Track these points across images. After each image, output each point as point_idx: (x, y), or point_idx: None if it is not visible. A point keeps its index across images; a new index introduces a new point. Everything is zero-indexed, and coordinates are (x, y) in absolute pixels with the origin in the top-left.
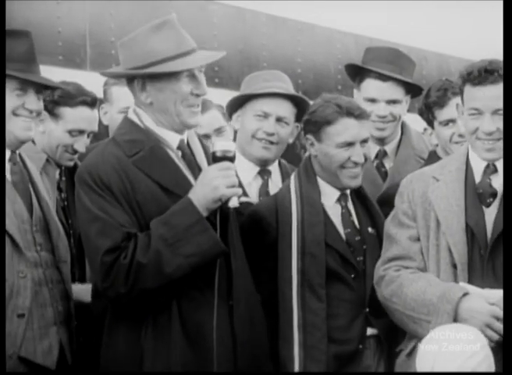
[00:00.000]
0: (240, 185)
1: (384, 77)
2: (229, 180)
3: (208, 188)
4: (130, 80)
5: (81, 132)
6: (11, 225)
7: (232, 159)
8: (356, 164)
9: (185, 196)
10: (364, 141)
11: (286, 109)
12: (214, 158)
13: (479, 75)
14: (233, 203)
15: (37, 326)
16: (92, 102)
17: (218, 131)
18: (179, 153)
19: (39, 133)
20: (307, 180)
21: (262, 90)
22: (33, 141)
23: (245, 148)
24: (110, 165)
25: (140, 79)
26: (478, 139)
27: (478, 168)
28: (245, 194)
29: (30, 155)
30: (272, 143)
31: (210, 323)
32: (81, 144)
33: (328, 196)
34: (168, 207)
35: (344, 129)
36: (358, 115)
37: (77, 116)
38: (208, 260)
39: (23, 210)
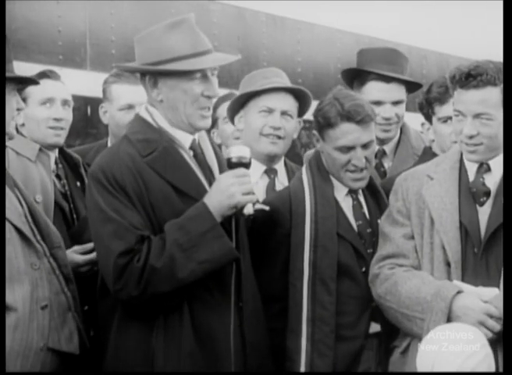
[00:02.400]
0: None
1: (388, 79)
2: (245, 187)
3: (223, 195)
4: (143, 76)
5: (51, 100)
6: (15, 219)
7: (247, 165)
8: (356, 167)
9: (200, 201)
10: (366, 145)
11: (289, 103)
12: (229, 164)
13: (462, 79)
14: (248, 210)
15: (57, 315)
16: (50, 73)
17: None
18: (191, 153)
19: (23, 128)
20: (319, 173)
21: (264, 86)
22: (22, 134)
23: (252, 147)
24: (125, 164)
25: (151, 75)
26: (461, 141)
27: (472, 167)
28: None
29: (22, 147)
30: (279, 138)
31: (221, 325)
32: (58, 111)
33: (339, 189)
34: (181, 209)
35: (344, 134)
36: (360, 120)
37: (41, 88)
38: (221, 266)
39: (17, 203)
